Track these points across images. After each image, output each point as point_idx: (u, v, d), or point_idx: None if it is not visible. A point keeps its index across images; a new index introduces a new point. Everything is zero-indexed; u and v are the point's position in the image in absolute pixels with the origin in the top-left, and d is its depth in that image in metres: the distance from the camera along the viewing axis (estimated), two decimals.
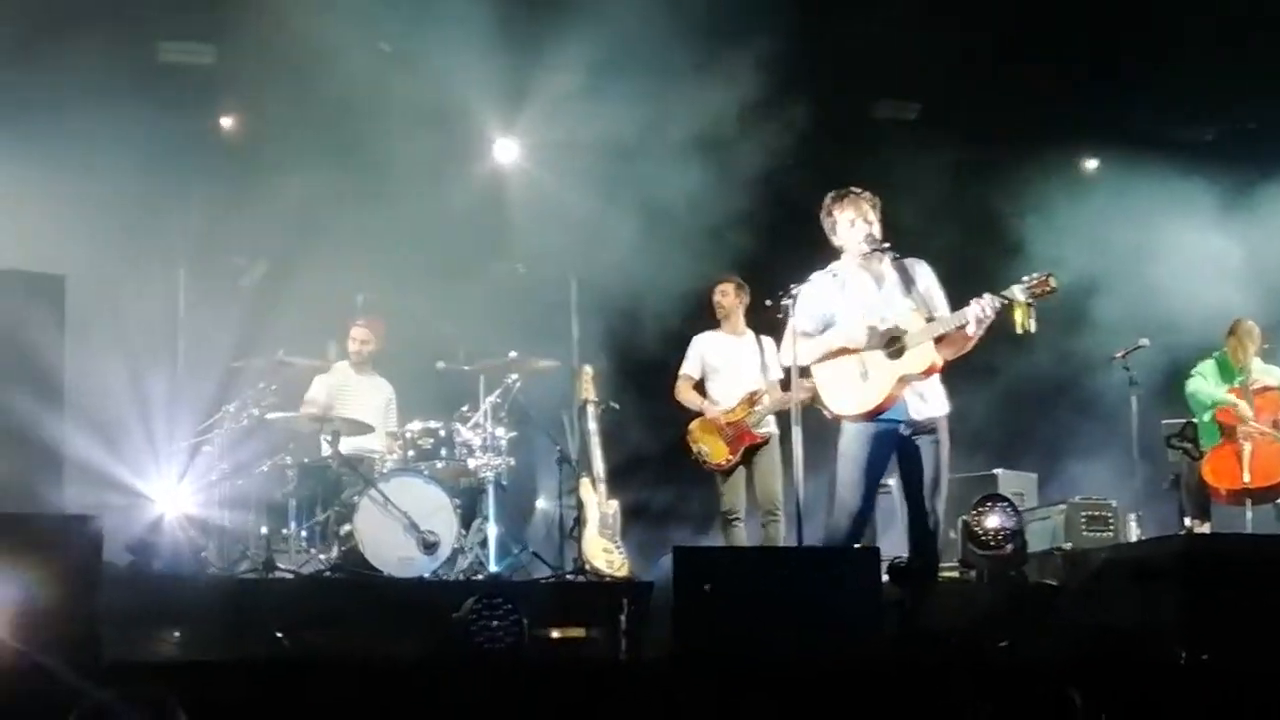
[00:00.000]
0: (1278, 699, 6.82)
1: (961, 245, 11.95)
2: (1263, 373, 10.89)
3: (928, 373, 7.70)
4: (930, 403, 7.77)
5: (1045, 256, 12.26)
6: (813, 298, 7.90)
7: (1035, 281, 7.51)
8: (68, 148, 11.01)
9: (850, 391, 7.76)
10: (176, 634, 7.68)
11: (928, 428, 7.76)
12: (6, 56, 11.18)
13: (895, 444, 7.76)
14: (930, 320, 7.69)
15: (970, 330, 7.58)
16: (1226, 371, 10.93)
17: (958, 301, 7.75)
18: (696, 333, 10.83)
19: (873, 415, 7.72)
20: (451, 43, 11.57)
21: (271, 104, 11.96)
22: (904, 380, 7.67)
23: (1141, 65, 12.65)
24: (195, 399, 10.21)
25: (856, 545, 7.81)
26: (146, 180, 11.39)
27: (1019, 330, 7.54)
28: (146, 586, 8.10)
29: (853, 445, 7.74)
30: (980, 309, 7.52)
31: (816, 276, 8.00)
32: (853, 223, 7.89)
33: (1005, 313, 7.53)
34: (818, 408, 7.95)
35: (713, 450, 10.46)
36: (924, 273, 7.94)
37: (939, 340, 7.67)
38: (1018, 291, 7.50)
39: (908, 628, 7.58)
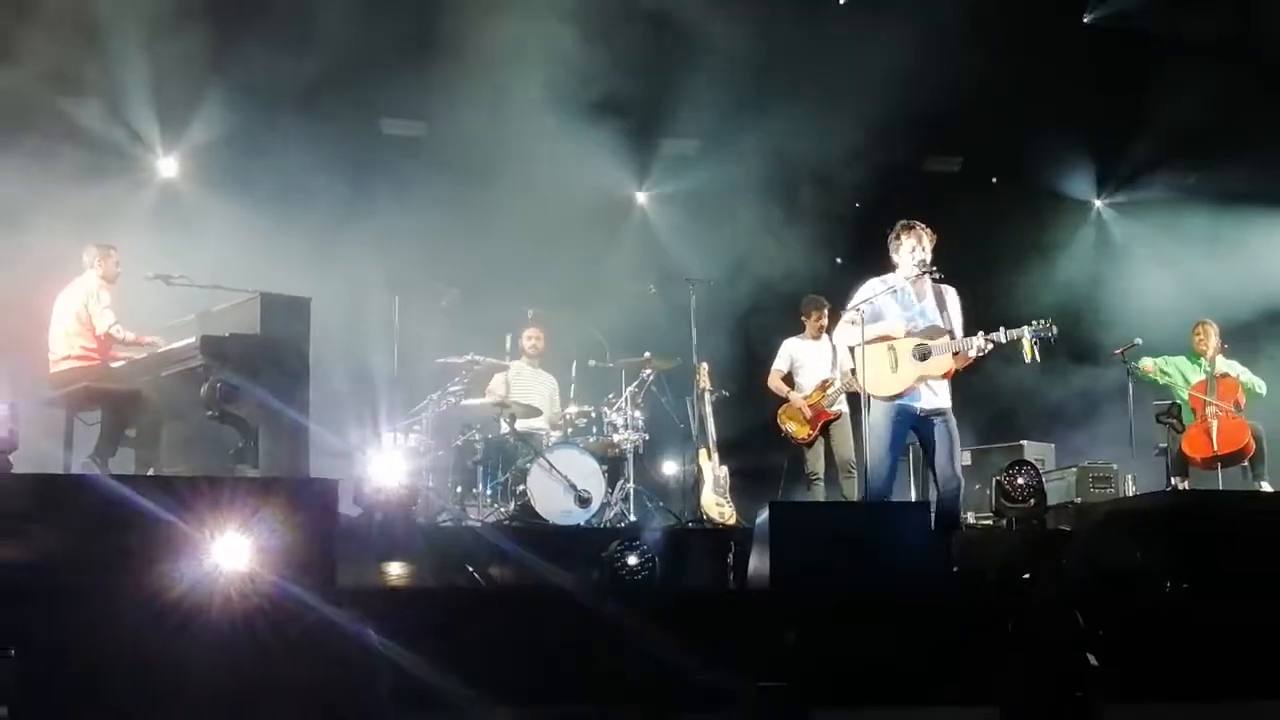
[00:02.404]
0: (1244, 620, 6.73)
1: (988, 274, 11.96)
2: (1224, 365, 10.72)
3: (943, 376, 7.89)
4: (939, 396, 7.95)
5: (1055, 285, 12.41)
6: (866, 294, 8.01)
7: (1040, 326, 7.71)
8: (313, 198, 11.32)
9: (881, 377, 7.88)
10: (393, 568, 7.78)
11: (938, 413, 7.88)
12: (265, 127, 11.44)
13: (911, 423, 7.88)
14: (950, 337, 7.84)
15: (970, 355, 7.79)
16: (1194, 362, 10.77)
17: (978, 324, 7.95)
18: (786, 337, 10.90)
19: (895, 399, 7.84)
20: (597, 114, 11.72)
21: (467, 164, 12.04)
22: (923, 378, 7.85)
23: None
24: (408, 392, 10.31)
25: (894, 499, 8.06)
26: (371, 224, 11.60)
27: (1026, 360, 7.78)
28: (370, 533, 8.20)
29: (879, 422, 7.85)
30: (978, 345, 7.75)
31: (873, 280, 8.10)
32: (912, 249, 7.98)
33: (1015, 344, 7.77)
34: (854, 388, 8.00)
35: (797, 429, 10.51)
36: (953, 298, 8.09)
37: (954, 354, 7.82)
38: (1026, 332, 7.71)
39: (950, 565, 7.53)
